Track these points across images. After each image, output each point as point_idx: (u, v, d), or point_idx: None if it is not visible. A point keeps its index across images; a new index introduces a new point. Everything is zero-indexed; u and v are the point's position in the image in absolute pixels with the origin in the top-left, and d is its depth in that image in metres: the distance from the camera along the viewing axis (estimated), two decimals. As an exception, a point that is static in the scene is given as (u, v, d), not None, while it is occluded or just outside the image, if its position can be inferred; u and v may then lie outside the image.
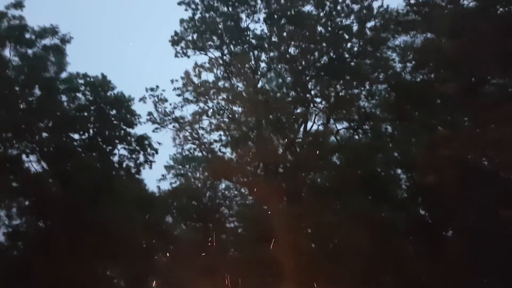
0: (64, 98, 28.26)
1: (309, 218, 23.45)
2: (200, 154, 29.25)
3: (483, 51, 18.13)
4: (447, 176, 19.41)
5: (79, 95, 28.50)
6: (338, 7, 26.86)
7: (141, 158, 29.09)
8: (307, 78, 28.47)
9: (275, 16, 28.42)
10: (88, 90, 28.47)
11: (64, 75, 28.10)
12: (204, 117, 28.82)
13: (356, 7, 26.51)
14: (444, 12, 20.15)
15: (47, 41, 27.43)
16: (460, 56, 18.68)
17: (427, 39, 21.95)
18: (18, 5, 26.65)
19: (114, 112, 28.65)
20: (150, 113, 28.89)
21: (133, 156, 28.90)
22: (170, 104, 29.22)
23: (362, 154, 24.11)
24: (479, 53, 18.22)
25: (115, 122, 28.66)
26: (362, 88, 27.02)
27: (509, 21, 18.14)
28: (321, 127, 27.84)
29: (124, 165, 28.95)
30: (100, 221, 24.72)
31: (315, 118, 28.02)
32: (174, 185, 29.41)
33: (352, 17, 26.73)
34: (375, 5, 26.22)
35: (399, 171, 24.77)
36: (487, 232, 18.36)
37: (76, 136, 28.25)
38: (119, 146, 28.67)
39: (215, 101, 29.21)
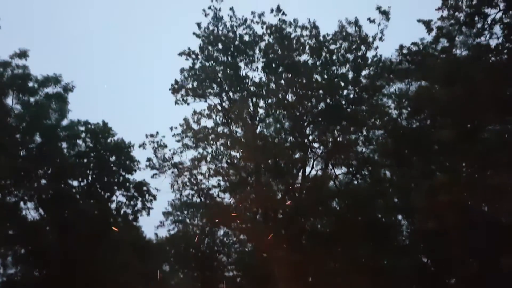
0: (64, 145, 28.60)
1: (310, 265, 23.04)
2: (198, 200, 29.10)
3: (478, 99, 18.55)
4: (448, 222, 19.33)
5: (80, 141, 28.89)
6: (334, 57, 27.62)
7: (139, 205, 29.06)
8: (305, 124, 28.83)
9: (273, 65, 29.13)
10: (89, 137, 28.81)
11: (65, 122, 28.67)
12: (203, 162, 28.92)
13: (350, 56, 27.27)
14: (437, 61, 20.75)
15: (49, 89, 28.22)
16: (455, 104, 19.07)
17: (422, 87, 22.46)
18: (23, 55, 27.44)
19: (113, 158, 28.86)
20: (149, 159, 29.01)
21: (131, 202, 28.85)
22: (170, 150, 29.44)
23: (362, 199, 24.06)
24: (474, 100, 18.63)
25: (114, 168, 28.80)
26: (360, 134, 27.31)
27: (501, 70, 18.66)
28: (319, 172, 27.91)
29: (122, 212, 28.86)
30: (97, 269, 24.26)
31: (313, 163, 28.19)
32: (172, 232, 29.04)
33: (347, 65, 27.43)
34: (369, 54, 27.06)
35: (399, 217, 24.63)
36: (490, 280, 18.06)
37: (75, 183, 28.40)
38: (118, 193, 28.75)
39: (214, 147, 29.45)
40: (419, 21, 20.13)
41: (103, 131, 28.83)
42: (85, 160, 28.56)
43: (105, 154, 28.71)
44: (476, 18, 19.18)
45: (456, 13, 19.44)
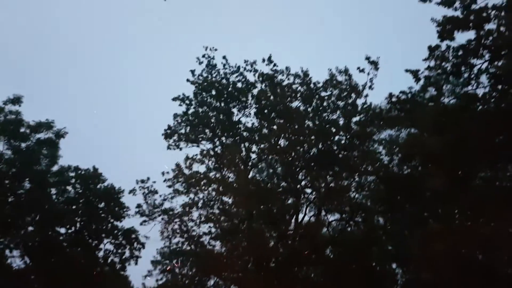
0: (53, 191, 28.16)
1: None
2: (188, 248, 28.45)
3: (468, 147, 18.69)
4: (443, 272, 18.96)
5: (69, 188, 28.47)
6: (325, 103, 28.04)
7: (127, 253, 28.33)
8: (297, 169, 28.78)
9: (265, 111, 29.48)
10: (79, 183, 28.47)
11: (55, 168, 28.34)
12: (194, 208, 28.58)
13: (341, 103, 27.69)
14: (425, 109, 21.03)
15: (41, 135, 28.09)
16: (446, 151, 19.17)
17: (412, 134, 22.65)
18: (16, 101, 27.58)
19: (102, 204, 28.44)
20: (139, 205, 28.62)
21: (119, 251, 28.16)
22: (160, 196, 29.13)
23: (356, 247, 23.63)
24: (464, 148, 18.77)
25: (103, 215, 28.32)
26: (352, 180, 27.26)
27: (490, 118, 18.90)
28: (312, 219, 27.56)
29: (109, 261, 28.09)
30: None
31: (306, 209, 27.88)
32: (160, 282, 28.11)
33: (338, 112, 27.81)
34: (359, 102, 27.50)
35: (394, 265, 24.14)
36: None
37: (62, 230, 27.76)
38: (105, 241, 28.10)
39: (205, 192, 29.18)
40: (407, 71, 20.56)
41: (93, 176, 28.57)
42: (73, 207, 28.08)
43: (94, 201, 28.31)
44: (463, 68, 19.68)
45: (443, 63, 19.93)
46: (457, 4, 19.14)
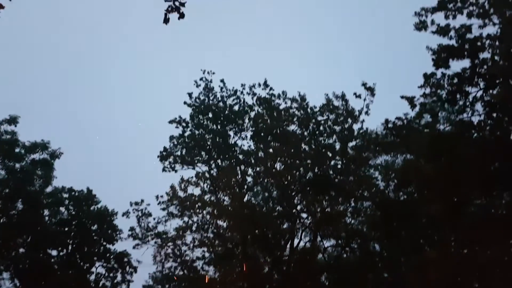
0: (46, 212, 27.87)
1: None
2: (181, 273, 28.00)
3: (463, 174, 18.65)
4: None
5: (62, 209, 28.21)
6: (321, 128, 28.06)
7: (119, 277, 27.88)
8: (293, 194, 28.60)
9: (262, 134, 29.48)
10: (72, 205, 28.22)
11: (49, 189, 28.15)
12: (188, 232, 28.27)
13: (337, 128, 27.72)
14: (421, 135, 21.06)
15: (36, 155, 27.92)
16: (441, 178, 19.12)
17: (408, 160, 22.65)
18: (12, 121, 27.52)
19: (95, 227, 28.12)
20: (132, 228, 28.29)
21: (111, 274, 27.70)
22: (154, 219, 28.87)
23: (352, 274, 23.32)
24: (459, 175, 18.72)
25: (95, 237, 27.96)
26: (348, 205, 27.08)
27: (485, 146, 18.92)
28: (308, 244, 27.25)
29: (100, 284, 27.58)
30: None
31: (302, 234, 27.59)
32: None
33: (334, 137, 27.81)
34: (355, 127, 27.55)
35: (390, 293, 23.80)
36: None
37: (54, 253, 27.33)
38: (97, 264, 27.68)
39: (200, 216, 28.95)
40: (402, 97, 20.64)
41: (87, 198, 28.32)
42: (66, 229, 27.75)
43: (87, 223, 27.99)
44: (458, 96, 19.75)
45: (438, 91, 20.02)
46: (452, 33, 19.37)
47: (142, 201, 29.00)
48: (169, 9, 7.33)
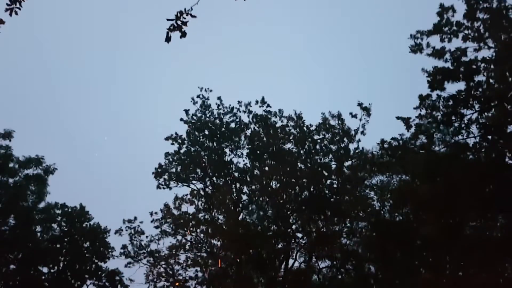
0: (38, 228, 27.48)
1: None
2: (174, 293, 27.62)
3: (459, 196, 18.65)
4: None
5: (55, 225, 27.80)
6: (317, 146, 28.14)
7: (110, 297, 27.33)
8: (288, 212, 28.47)
9: (258, 152, 29.51)
10: (64, 221, 27.85)
11: (42, 204, 27.79)
12: (181, 251, 27.95)
13: (333, 147, 27.80)
14: (416, 156, 21.09)
15: (30, 171, 27.65)
16: (437, 200, 19.10)
17: (403, 181, 22.65)
18: (7, 136, 27.32)
19: (87, 244, 27.71)
20: (124, 246, 27.96)
21: (102, 293, 27.16)
22: (147, 237, 28.60)
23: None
24: (455, 197, 18.71)
25: (87, 255, 27.53)
26: (343, 225, 26.96)
27: (480, 168, 18.96)
28: (303, 265, 27.00)
29: (91, 304, 27.03)
30: None
31: (296, 254, 27.38)
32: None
33: (330, 156, 27.86)
34: (351, 146, 27.66)
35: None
36: None
37: (45, 270, 26.84)
38: (89, 282, 27.16)
39: (193, 234, 28.69)
40: (398, 118, 20.75)
41: (79, 215, 28.00)
42: (58, 245, 27.30)
43: (79, 240, 27.59)
44: (453, 118, 19.87)
45: (434, 112, 20.15)
46: (447, 56, 19.63)
47: (135, 218, 28.78)
48: (171, 27, 7.38)
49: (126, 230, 28.31)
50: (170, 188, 29.36)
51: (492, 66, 18.94)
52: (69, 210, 28.13)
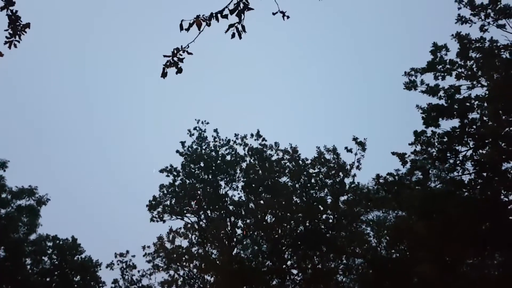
0: (28, 261, 26.90)
1: None
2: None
3: (455, 233, 18.49)
4: None
5: (45, 258, 27.24)
6: (313, 180, 28.05)
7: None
8: (283, 248, 28.06)
9: (253, 185, 29.34)
10: (55, 254, 27.31)
11: (33, 236, 27.35)
12: (173, 286, 27.26)
13: (329, 181, 27.70)
14: (412, 192, 21.03)
15: (23, 201, 27.33)
16: (433, 237, 18.92)
17: (400, 218, 22.50)
18: (1, 166, 27.13)
19: (78, 278, 27.08)
20: (115, 281, 27.28)
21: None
22: (138, 271, 27.98)
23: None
24: (451, 234, 18.55)
25: (77, 290, 26.86)
26: (339, 262, 26.52)
27: (476, 205, 18.88)
28: (298, 303, 26.39)
29: None
30: None
31: (291, 292, 26.79)
32: None
33: (326, 190, 27.73)
34: (347, 181, 27.56)
35: None
36: None
37: (33, 304, 26.05)
38: (78, 317, 26.35)
39: (186, 269, 28.12)
40: (393, 153, 20.80)
41: (71, 247, 27.49)
42: (48, 279, 26.68)
43: (70, 273, 26.98)
44: (448, 154, 19.92)
45: (429, 149, 20.21)
46: (441, 93, 19.89)
47: (127, 252, 28.25)
48: (168, 63, 7.46)
49: (118, 264, 27.75)
50: (164, 221, 29.00)
51: (485, 104, 19.17)
52: (61, 242, 27.64)
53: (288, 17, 6.92)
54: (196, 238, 29.10)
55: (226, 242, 28.49)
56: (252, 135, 29.56)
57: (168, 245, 27.89)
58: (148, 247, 27.94)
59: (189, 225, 29.13)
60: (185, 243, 28.22)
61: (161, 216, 28.85)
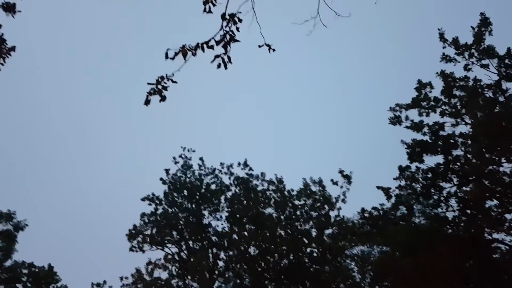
0: (2, 288, 25.83)
1: None
2: None
3: (439, 270, 18.33)
4: None
5: (20, 286, 26.18)
6: (298, 212, 27.77)
7: None
8: (266, 282, 27.44)
9: (237, 216, 28.91)
10: (30, 282, 26.28)
11: (8, 263, 26.33)
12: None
13: (314, 214, 27.47)
14: (397, 228, 20.91)
15: (0, 226, 26.48)
16: (418, 273, 18.70)
17: (384, 253, 22.26)
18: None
19: (52, 310, 26.04)
20: (91, 313, 26.32)
21: None
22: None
23: None
24: (436, 271, 18.38)
25: (51, 322, 25.76)
26: (323, 298, 25.99)
27: (460, 242, 18.82)
28: None
29: None
30: None
31: (273, 327, 26.06)
32: None
33: (311, 222, 27.44)
34: (332, 214, 27.35)
35: None
36: None
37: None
38: None
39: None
40: (378, 187, 20.82)
41: (47, 275, 26.50)
42: (19, 310, 25.59)
43: (44, 304, 25.95)
44: (432, 190, 20.00)
45: (413, 184, 20.28)
46: (425, 129, 20.13)
47: (105, 282, 27.37)
48: (151, 91, 7.36)
49: (95, 298, 26.77)
50: (144, 251, 28.24)
51: (469, 142, 19.41)
52: (37, 270, 26.65)
53: (274, 50, 6.95)
54: (176, 270, 28.38)
55: (207, 275, 27.80)
56: (239, 163, 29.39)
57: (146, 277, 27.12)
58: (126, 278, 27.13)
59: (169, 257, 28.44)
60: (164, 275, 27.46)
61: (141, 245, 28.13)
